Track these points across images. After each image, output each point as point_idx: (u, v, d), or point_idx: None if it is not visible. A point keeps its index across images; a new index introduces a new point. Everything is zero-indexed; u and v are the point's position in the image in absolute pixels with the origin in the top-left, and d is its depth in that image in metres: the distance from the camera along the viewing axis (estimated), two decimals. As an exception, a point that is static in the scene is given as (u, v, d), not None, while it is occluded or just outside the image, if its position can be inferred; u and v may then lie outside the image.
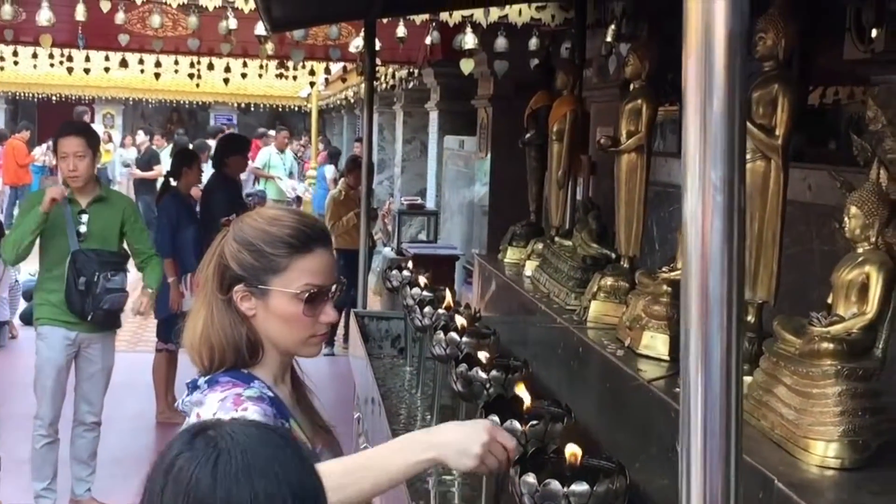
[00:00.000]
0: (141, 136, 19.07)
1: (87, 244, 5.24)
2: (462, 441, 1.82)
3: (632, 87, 3.58)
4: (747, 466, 1.98)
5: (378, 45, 6.36)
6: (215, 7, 7.34)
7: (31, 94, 21.22)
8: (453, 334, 2.97)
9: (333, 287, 1.97)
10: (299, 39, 8.39)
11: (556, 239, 4.44)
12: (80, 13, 7.24)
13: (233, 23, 7.60)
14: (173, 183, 7.51)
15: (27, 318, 8.54)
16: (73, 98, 20.73)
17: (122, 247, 5.47)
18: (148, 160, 17.30)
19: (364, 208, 5.98)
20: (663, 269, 3.11)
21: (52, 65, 11.59)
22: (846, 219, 2.16)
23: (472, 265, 6.81)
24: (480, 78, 9.12)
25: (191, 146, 12.87)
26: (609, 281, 3.55)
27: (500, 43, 7.29)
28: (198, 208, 7.70)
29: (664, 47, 3.50)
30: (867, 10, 3.02)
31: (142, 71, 10.57)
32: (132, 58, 9.96)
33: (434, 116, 11.56)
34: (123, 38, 8.44)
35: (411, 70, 10.90)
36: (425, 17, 7.66)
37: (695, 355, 1.15)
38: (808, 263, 3.00)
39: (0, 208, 17.68)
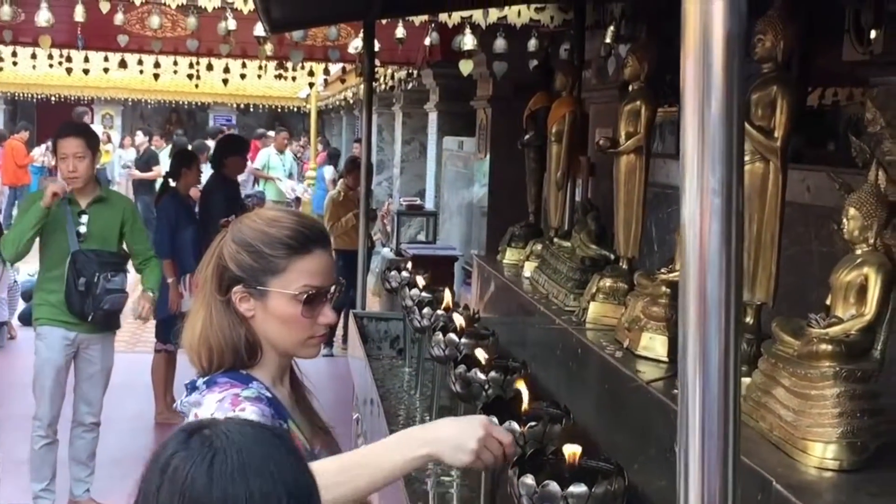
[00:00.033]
0: (140, 137, 19.07)
1: (86, 245, 5.24)
2: (457, 437, 1.82)
3: (631, 88, 3.58)
4: (745, 468, 1.98)
5: (377, 46, 6.35)
6: (214, 8, 7.33)
7: (30, 95, 21.21)
8: (452, 335, 2.97)
9: (332, 288, 1.97)
10: (298, 40, 8.39)
11: (555, 240, 4.45)
12: (79, 14, 7.23)
13: (232, 24, 7.60)
14: (172, 184, 7.51)
15: (26, 319, 8.54)
16: (72, 99, 20.72)
17: (121, 247, 5.47)
18: (147, 161, 17.30)
19: (363, 209, 5.98)
20: (662, 270, 3.11)
21: (51, 65, 11.59)
22: (845, 220, 2.16)
23: (471, 266, 6.81)
24: (479, 79, 9.12)
25: (190, 147, 12.87)
26: (608, 282, 3.55)
27: (500, 44, 7.29)
28: (196, 209, 7.70)
29: (663, 49, 3.50)
30: (866, 12, 3.02)
31: (141, 72, 10.56)
32: (131, 58, 9.95)
33: (433, 117, 11.56)
34: (122, 39, 8.43)
35: (410, 71, 10.90)
36: (424, 18, 7.66)
37: (693, 357, 1.15)
38: (806, 265, 3.00)
39: (-1, 208, 17.71)
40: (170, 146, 16.99)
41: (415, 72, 10.87)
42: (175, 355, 7.06)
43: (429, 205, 11.81)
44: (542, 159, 5.00)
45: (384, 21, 7.25)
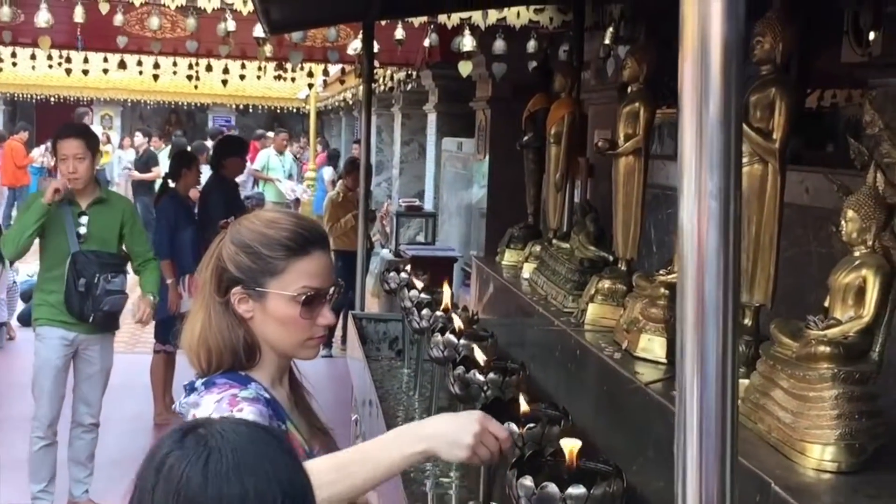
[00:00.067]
0: (139, 138, 19.07)
1: (87, 246, 5.24)
2: (453, 432, 1.82)
3: (630, 89, 3.58)
4: (744, 470, 1.98)
5: (376, 47, 6.36)
6: (214, 9, 7.33)
7: (29, 96, 21.20)
8: (451, 336, 2.97)
9: (331, 289, 1.97)
10: (297, 41, 8.39)
11: (554, 241, 4.45)
12: (79, 15, 7.24)
13: (231, 25, 7.60)
14: (172, 184, 7.51)
15: (25, 320, 8.54)
16: (72, 99, 20.72)
17: (121, 249, 5.47)
18: (146, 162, 17.29)
19: (362, 210, 5.98)
20: (661, 271, 3.11)
21: (50, 66, 11.59)
22: (843, 222, 2.17)
23: (470, 267, 6.81)
24: (479, 80, 9.13)
25: (189, 148, 12.86)
26: (606, 283, 3.56)
27: (499, 45, 7.30)
28: (196, 210, 7.70)
29: (662, 50, 3.51)
30: (865, 14, 3.03)
31: (140, 72, 10.56)
32: (130, 59, 9.95)
33: (432, 118, 11.56)
34: (122, 40, 8.43)
35: (409, 72, 10.90)
36: (423, 19, 7.66)
37: (690, 359, 1.15)
38: (805, 266, 3.01)
39: (-2, 209, 17.70)
40: (169, 147, 16.98)
41: (414, 73, 10.88)
42: (174, 356, 7.06)
43: (428, 206, 11.82)
44: (541, 160, 5.00)
45: (383, 22, 7.26)
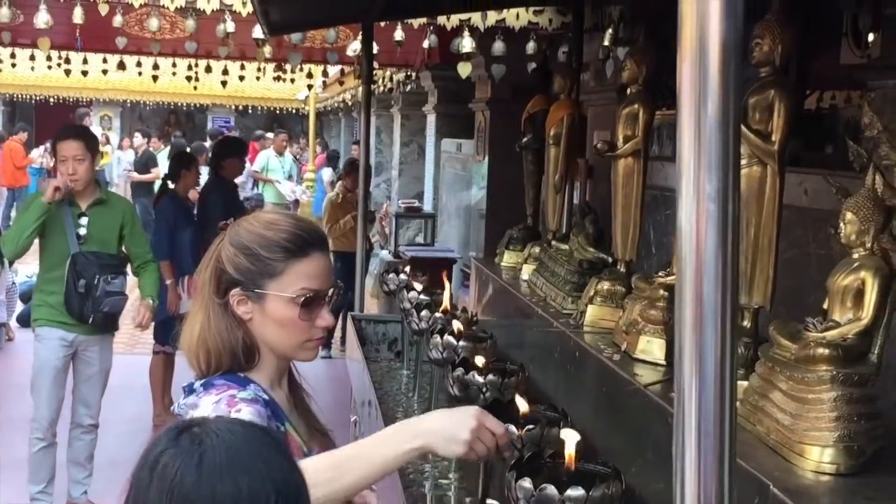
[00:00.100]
0: (138, 139, 19.06)
1: (86, 247, 5.24)
2: (450, 428, 1.81)
3: (629, 91, 3.58)
4: (743, 472, 1.98)
5: (375, 49, 6.36)
6: (213, 10, 7.33)
7: (28, 96, 21.19)
8: (450, 338, 2.97)
9: (330, 291, 1.97)
10: (297, 42, 8.40)
11: (553, 243, 4.45)
12: (78, 16, 7.23)
13: (230, 26, 7.60)
14: (171, 185, 7.50)
15: (24, 321, 8.54)
16: (71, 100, 20.71)
17: (121, 250, 5.47)
18: (145, 163, 17.29)
19: (361, 211, 5.98)
20: (659, 273, 3.11)
21: (49, 67, 11.57)
22: (842, 224, 2.17)
23: (469, 268, 6.81)
24: (478, 81, 9.13)
25: (188, 149, 12.86)
26: (606, 285, 3.56)
27: (498, 47, 7.30)
28: (195, 211, 7.70)
29: (661, 51, 3.51)
30: (864, 16, 3.03)
31: (139, 73, 10.56)
32: (130, 60, 9.94)
33: (431, 119, 11.57)
34: (121, 41, 8.43)
35: (409, 73, 10.90)
36: (423, 20, 7.67)
37: (689, 361, 1.15)
38: (804, 268, 3.01)
39: (-3, 210, 17.70)
40: (168, 148, 16.97)
41: (413, 74, 10.87)
42: (173, 357, 7.05)
43: (427, 207, 11.81)
44: (541, 162, 5.00)
45: (383, 23, 7.26)
